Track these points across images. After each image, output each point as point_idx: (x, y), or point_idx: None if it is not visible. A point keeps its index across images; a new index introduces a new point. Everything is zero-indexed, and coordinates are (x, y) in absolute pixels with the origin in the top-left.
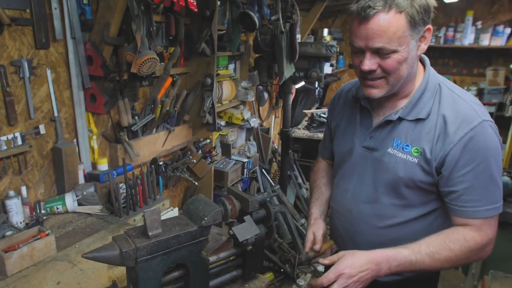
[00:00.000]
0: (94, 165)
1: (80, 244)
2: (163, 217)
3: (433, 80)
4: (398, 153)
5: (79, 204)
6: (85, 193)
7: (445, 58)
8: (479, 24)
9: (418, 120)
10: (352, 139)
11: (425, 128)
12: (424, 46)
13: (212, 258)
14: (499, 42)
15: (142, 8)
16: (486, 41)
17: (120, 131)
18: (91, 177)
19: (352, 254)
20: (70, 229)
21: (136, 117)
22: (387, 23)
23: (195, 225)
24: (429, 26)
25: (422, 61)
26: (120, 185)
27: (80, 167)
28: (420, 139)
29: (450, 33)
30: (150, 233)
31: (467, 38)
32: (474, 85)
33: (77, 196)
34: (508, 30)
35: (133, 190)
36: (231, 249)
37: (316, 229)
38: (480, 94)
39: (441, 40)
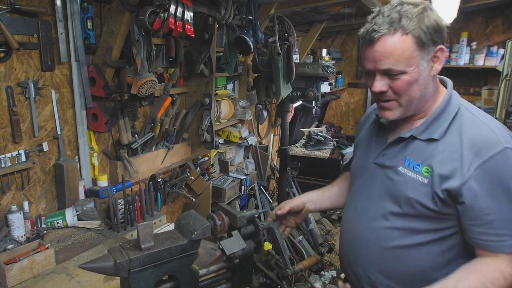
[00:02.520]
0: (94, 181)
1: (78, 257)
2: (160, 232)
3: (454, 102)
4: (408, 172)
5: (79, 219)
6: (85, 208)
7: None
8: (474, 45)
9: (431, 140)
10: (366, 155)
11: (439, 149)
12: (438, 66)
13: (202, 271)
14: (494, 62)
15: (143, 33)
16: (480, 61)
17: (120, 149)
18: (91, 193)
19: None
20: (69, 243)
21: (136, 135)
22: (392, 45)
23: (186, 239)
24: (441, 46)
25: (444, 83)
26: (119, 201)
27: (81, 183)
28: (431, 160)
29: (446, 53)
30: (142, 246)
31: (462, 59)
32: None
33: (77, 211)
34: (501, 51)
35: (131, 206)
36: (221, 263)
37: (287, 202)
38: None
39: None
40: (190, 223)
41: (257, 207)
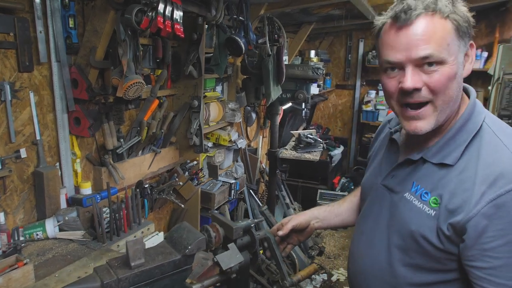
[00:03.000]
0: (77, 189)
1: (60, 272)
2: (147, 241)
3: (476, 118)
4: (414, 200)
5: (60, 230)
6: (67, 218)
7: None
8: None
9: (444, 165)
10: (376, 174)
11: (451, 177)
12: (469, 66)
13: (195, 286)
14: (478, 65)
15: (129, 33)
16: None
17: (105, 154)
18: (73, 202)
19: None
20: (50, 257)
21: (122, 140)
22: (433, 26)
23: (179, 253)
24: (472, 42)
25: (466, 92)
26: (104, 209)
27: (62, 191)
28: (442, 189)
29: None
30: (132, 264)
31: None
32: None
33: (58, 222)
34: (485, 54)
35: (117, 215)
36: (215, 276)
37: (290, 219)
38: None
39: None
40: (183, 236)
41: (246, 211)
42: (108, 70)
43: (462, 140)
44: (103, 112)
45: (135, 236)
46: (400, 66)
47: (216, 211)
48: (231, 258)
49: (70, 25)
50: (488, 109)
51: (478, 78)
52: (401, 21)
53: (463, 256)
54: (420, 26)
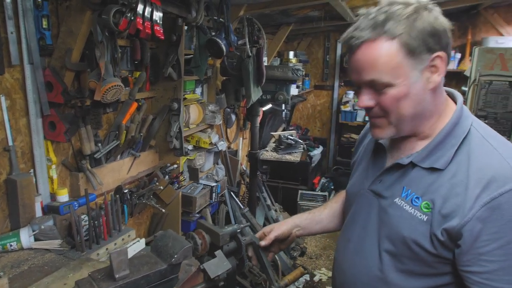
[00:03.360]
0: (53, 196)
1: (37, 285)
2: (129, 249)
3: (464, 123)
4: (405, 206)
5: (36, 240)
6: (42, 227)
7: None
8: None
9: (434, 169)
10: (362, 179)
11: (442, 181)
12: (436, 78)
13: None
14: (452, 66)
15: (106, 34)
16: None
17: (82, 159)
18: (49, 210)
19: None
20: (25, 268)
21: (100, 144)
22: (375, 53)
23: (165, 263)
24: (439, 53)
25: (453, 97)
26: (82, 216)
27: (38, 199)
28: (433, 193)
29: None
30: (117, 275)
31: None
32: None
33: (33, 231)
34: (458, 55)
35: (96, 222)
36: (201, 284)
37: (272, 228)
38: None
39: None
40: (168, 244)
41: (227, 214)
42: (84, 73)
43: (451, 145)
44: (80, 116)
45: (115, 244)
46: (358, 85)
47: (198, 215)
48: (218, 265)
49: (44, 26)
50: None
51: (452, 79)
52: (348, 48)
53: (458, 261)
54: (362, 54)
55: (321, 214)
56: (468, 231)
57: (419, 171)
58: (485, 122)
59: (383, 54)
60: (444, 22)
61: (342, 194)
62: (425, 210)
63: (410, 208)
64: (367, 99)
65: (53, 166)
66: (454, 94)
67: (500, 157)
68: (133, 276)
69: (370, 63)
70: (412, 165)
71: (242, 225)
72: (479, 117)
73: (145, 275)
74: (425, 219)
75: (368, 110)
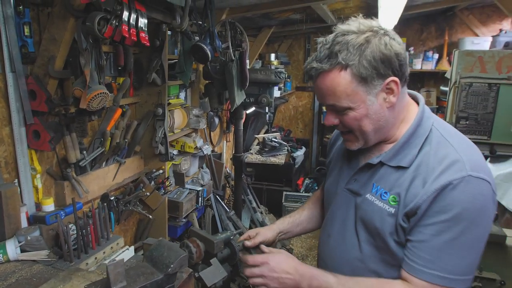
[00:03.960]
0: (38, 206)
1: None
2: (118, 257)
3: (425, 124)
4: (375, 200)
5: (22, 251)
6: (29, 238)
7: None
8: (411, 49)
9: (400, 167)
10: (338, 179)
11: (407, 176)
12: (392, 98)
13: None
14: (430, 66)
15: (91, 41)
16: (418, 65)
17: (67, 167)
18: (35, 220)
19: (286, 257)
20: (13, 281)
21: (85, 152)
22: (332, 83)
23: (161, 273)
24: (393, 78)
25: (416, 99)
26: (70, 226)
27: (23, 209)
28: (399, 188)
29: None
30: None
31: None
32: None
33: (19, 242)
34: (436, 56)
35: (84, 231)
36: None
37: (258, 233)
38: None
39: (408, 67)
40: (163, 254)
41: (214, 218)
42: (68, 80)
43: (415, 144)
44: (64, 124)
45: (104, 252)
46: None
47: (185, 220)
48: (214, 274)
49: (26, 33)
50: (447, 111)
51: (430, 79)
52: (310, 76)
53: (407, 233)
54: (321, 82)
55: (301, 217)
56: (420, 209)
57: (387, 169)
58: (466, 123)
59: (339, 83)
60: (395, 46)
61: (317, 194)
62: (392, 203)
63: (380, 202)
64: (332, 118)
65: (38, 175)
66: (417, 97)
67: (454, 152)
68: None
69: (329, 90)
70: (381, 164)
71: (235, 232)
72: (460, 118)
73: (142, 286)
74: (392, 212)
75: (335, 126)
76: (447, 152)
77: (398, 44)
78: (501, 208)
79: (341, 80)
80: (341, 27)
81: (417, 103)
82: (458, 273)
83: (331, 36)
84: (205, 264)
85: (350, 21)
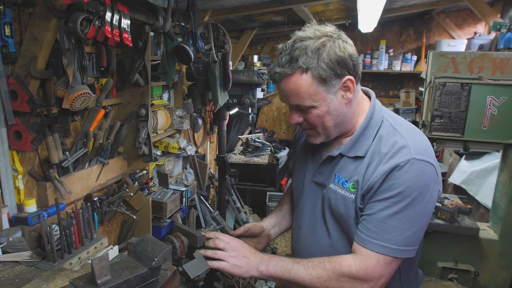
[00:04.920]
0: (20, 207)
1: None
2: (114, 262)
3: (377, 116)
4: (338, 189)
5: (4, 252)
6: (11, 239)
7: (365, 82)
8: (391, 51)
9: (357, 157)
10: (304, 173)
11: (363, 164)
12: (349, 95)
13: None
14: (409, 67)
15: (73, 41)
16: (398, 66)
17: (50, 168)
18: (17, 221)
19: (247, 244)
20: None
21: (67, 152)
22: (294, 85)
23: (145, 266)
24: (349, 77)
25: (368, 95)
26: (53, 226)
27: (4, 211)
28: (357, 175)
29: (368, 59)
30: (99, 281)
31: (382, 64)
32: (390, 106)
33: (1, 244)
34: (415, 58)
35: (67, 231)
36: (181, 285)
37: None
38: (396, 113)
39: (360, 66)
40: (147, 248)
41: (198, 218)
42: (50, 81)
43: (369, 135)
44: (46, 124)
45: (87, 252)
46: (288, 106)
47: (169, 220)
48: (198, 266)
49: (7, 33)
50: (423, 110)
51: (409, 80)
52: (274, 81)
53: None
54: (284, 85)
55: (282, 210)
56: (373, 189)
57: (346, 160)
58: (440, 121)
59: (301, 84)
60: (348, 48)
61: (290, 189)
62: (352, 190)
63: (342, 190)
64: (296, 117)
65: (19, 176)
66: (369, 92)
67: (402, 139)
68: (114, 281)
69: (293, 92)
70: (341, 156)
71: (218, 226)
72: (435, 116)
73: (126, 279)
74: (353, 198)
75: (299, 124)
76: (396, 139)
77: (350, 46)
78: (476, 203)
79: (303, 82)
80: (299, 33)
81: (369, 97)
82: (400, 244)
83: (290, 42)
84: (188, 258)
85: (306, 27)
